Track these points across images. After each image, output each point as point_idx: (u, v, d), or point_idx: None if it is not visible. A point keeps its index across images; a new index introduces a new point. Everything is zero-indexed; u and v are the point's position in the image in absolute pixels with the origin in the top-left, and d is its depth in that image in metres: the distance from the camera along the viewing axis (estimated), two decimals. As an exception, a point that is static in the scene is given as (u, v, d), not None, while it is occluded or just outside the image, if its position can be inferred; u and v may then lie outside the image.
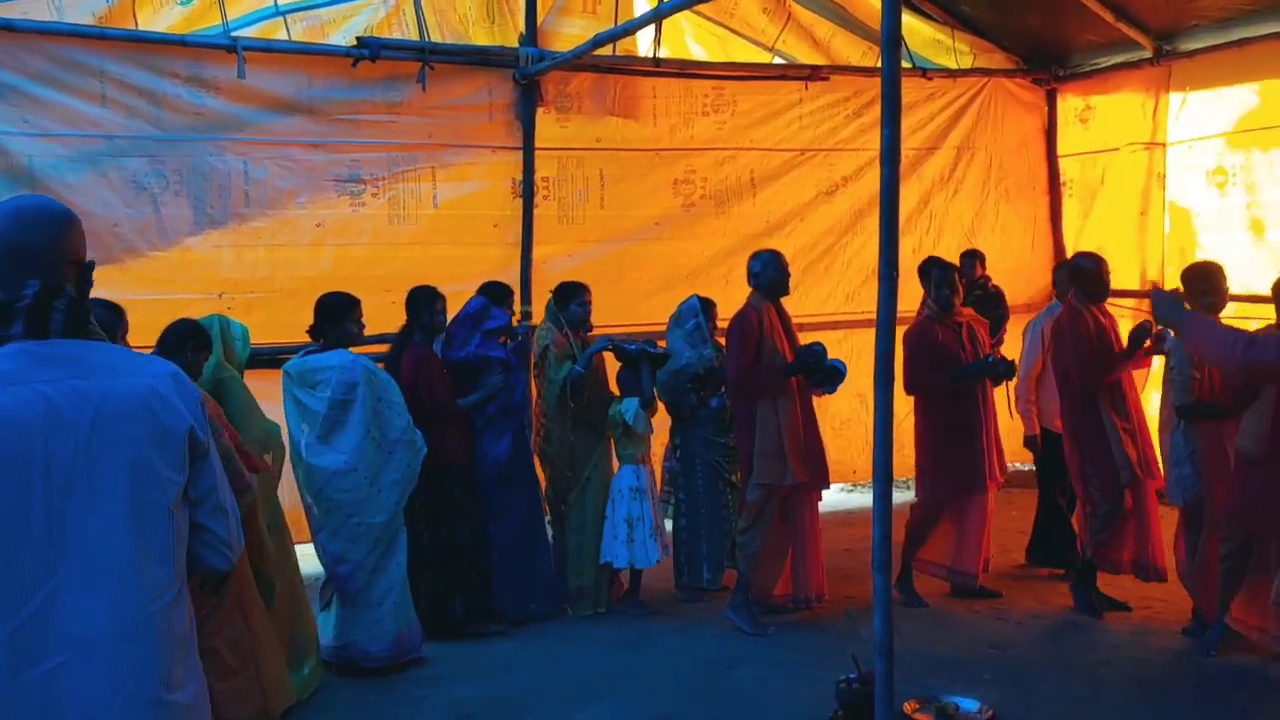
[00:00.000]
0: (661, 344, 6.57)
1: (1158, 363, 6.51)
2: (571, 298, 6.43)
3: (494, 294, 6.39)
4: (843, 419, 8.45)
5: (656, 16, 7.44)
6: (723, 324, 6.68)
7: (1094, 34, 8.48)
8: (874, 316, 4.60)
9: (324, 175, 7.03)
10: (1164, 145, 8.45)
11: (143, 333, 4.99)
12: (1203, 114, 8.15)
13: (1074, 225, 9.27)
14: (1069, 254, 8.82)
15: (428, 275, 7.00)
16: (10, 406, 2.07)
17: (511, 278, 7.13)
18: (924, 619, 6.16)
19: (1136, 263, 8.50)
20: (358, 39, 6.95)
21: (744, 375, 5.92)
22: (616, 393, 6.46)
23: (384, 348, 6.36)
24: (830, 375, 6.06)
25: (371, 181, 7.15)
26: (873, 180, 7.09)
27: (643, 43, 8.14)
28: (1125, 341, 6.05)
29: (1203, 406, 5.55)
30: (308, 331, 5.60)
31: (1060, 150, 9.32)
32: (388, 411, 5.46)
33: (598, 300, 6.54)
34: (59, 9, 6.44)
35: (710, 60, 8.47)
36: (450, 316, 6.18)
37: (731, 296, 6.84)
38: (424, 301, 6.02)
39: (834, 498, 7.94)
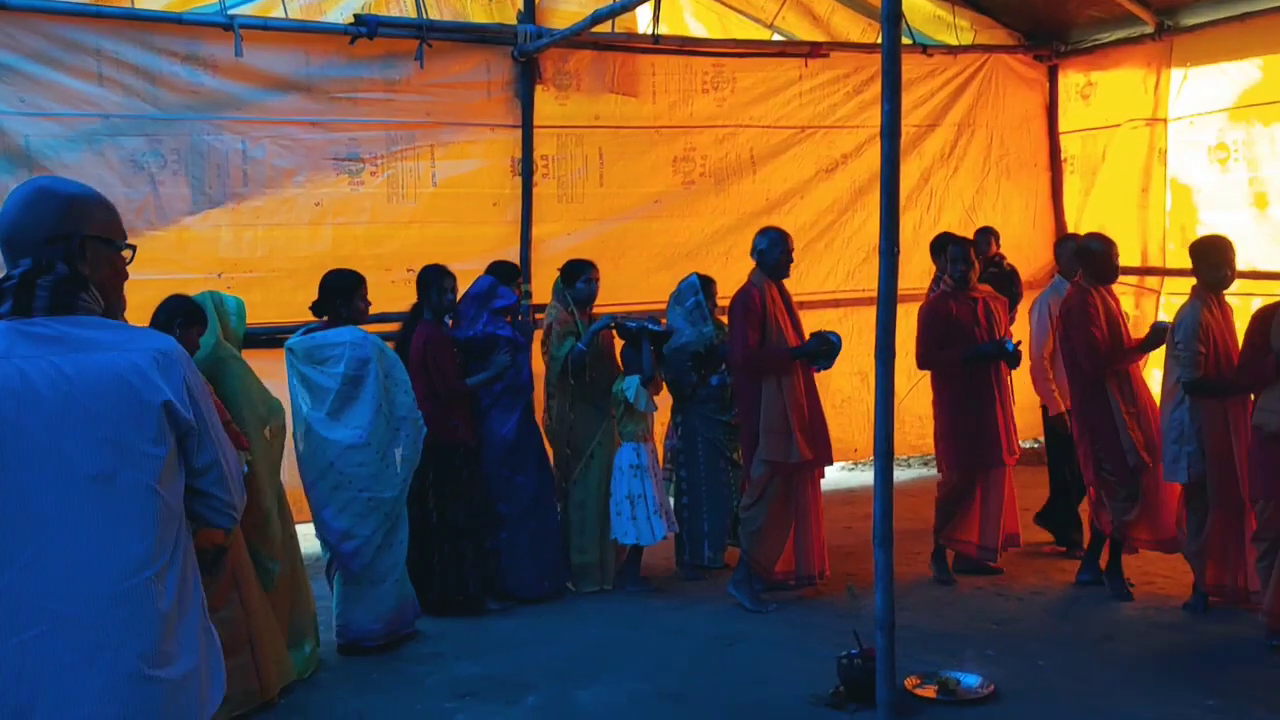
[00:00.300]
0: (664, 321, 6.56)
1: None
2: (578, 275, 6.42)
3: (502, 273, 6.39)
4: (844, 397, 8.44)
5: (656, -8, 7.40)
6: (723, 302, 6.68)
7: (1095, 9, 8.43)
8: (874, 294, 4.63)
9: (322, 154, 7.00)
10: (1165, 121, 8.41)
11: (142, 312, 4.96)
12: (1204, 89, 8.11)
13: (1075, 202, 9.24)
14: (1069, 230, 8.81)
15: (427, 254, 6.99)
16: None
17: (511, 256, 7.12)
18: (925, 595, 6.18)
19: (1138, 239, 8.48)
20: (355, 16, 6.91)
21: (750, 355, 5.92)
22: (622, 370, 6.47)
23: (383, 326, 6.36)
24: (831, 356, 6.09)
25: (370, 160, 7.12)
26: (873, 158, 7.07)
27: (642, 19, 8.08)
28: (1134, 321, 6.05)
29: (1211, 382, 5.54)
30: (312, 308, 5.60)
31: (1061, 127, 9.28)
32: (394, 389, 5.49)
33: (597, 279, 6.53)
34: (54, -13, 6.41)
35: (710, 37, 8.43)
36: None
37: (731, 274, 6.82)
38: (433, 280, 6.03)
39: (835, 476, 7.95)
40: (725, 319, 6.64)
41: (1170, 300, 8.39)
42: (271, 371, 5.51)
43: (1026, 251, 8.99)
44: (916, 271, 8.57)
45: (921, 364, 6.42)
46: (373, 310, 5.86)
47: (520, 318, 6.50)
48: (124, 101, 6.43)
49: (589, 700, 4.95)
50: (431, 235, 7.25)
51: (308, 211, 7.00)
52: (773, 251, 6.08)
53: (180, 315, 4.70)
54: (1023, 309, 7.53)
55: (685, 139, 8.07)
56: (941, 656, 5.19)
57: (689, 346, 6.43)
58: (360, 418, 5.38)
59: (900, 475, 8.83)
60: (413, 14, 7.22)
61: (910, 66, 7.71)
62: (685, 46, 8.06)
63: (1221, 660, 5.21)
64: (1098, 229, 7.27)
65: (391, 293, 6.97)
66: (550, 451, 6.50)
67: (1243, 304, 6.33)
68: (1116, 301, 6.16)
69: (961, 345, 6.26)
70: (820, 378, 6.26)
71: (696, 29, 8.54)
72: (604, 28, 7.15)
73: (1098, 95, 8.97)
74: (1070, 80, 9.18)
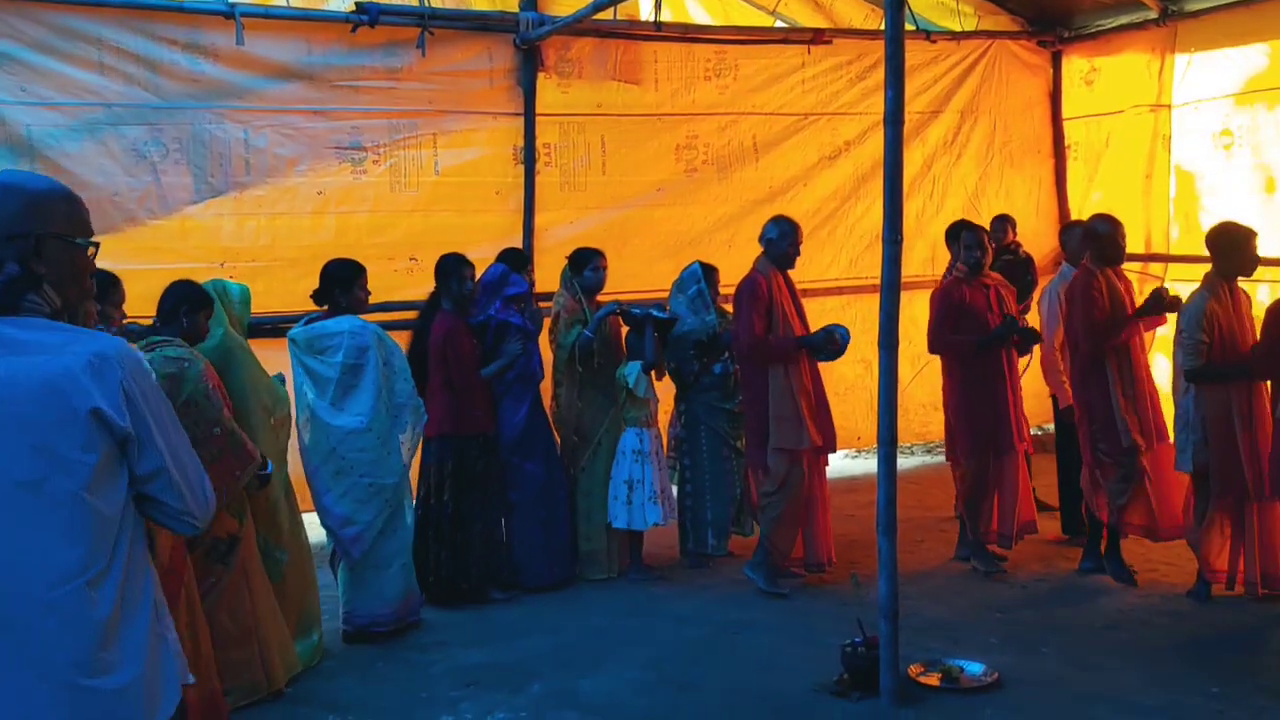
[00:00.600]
0: (668, 309, 6.56)
1: (1165, 329, 6.49)
2: (585, 263, 6.42)
3: (513, 260, 6.39)
4: (847, 384, 8.43)
5: (658, -21, 7.38)
6: (725, 289, 6.67)
7: (1099, -6, 8.41)
8: (877, 282, 4.63)
9: (325, 143, 6.99)
10: (1169, 107, 8.38)
11: (146, 302, 4.97)
12: (1208, 75, 8.07)
13: (1079, 189, 9.21)
14: (1074, 217, 8.78)
15: (430, 243, 6.99)
16: None
17: (514, 244, 7.11)
18: (929, 583, 6.18)
19: (1142, 225, 8.45)
20: (356, 4, 6.88)
21: (757, 344, 5.93)
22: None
23: (386, 315, 6.35)
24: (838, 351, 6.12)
25: (372, 149, 7.11)
26: (876, 145, 7.04)
27: (644, 7, 8.07)
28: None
29: (1211, 369, 5.54)
30: (312, 297, 5.60)
31: (1065, 113, 9.24)
32: (393, 377, 5.53)
33: (599, 267, 6.52)
34: (55, -24, 6.39)
35: (712, 24, 8.40)
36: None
37: (734, 262, 6.81)
38: (453, 269, 6.03)
39: (838, 463, 7.95)
40: (728, 307, 6.64)
41: (1174, 287, 8.37)
42: (275, 361, 5.50)
43: (1030, 238, 8.92)
44: (919, 259, 8.58)
45: (934, 348, 6.42)
46: (376, 299, 5.86)
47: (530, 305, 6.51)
48: (125, 90, 6.42)
49: (593, 688, 4.96)
50: (434, 224, 7.24)
51: (310, 200, 6.99)
52: (781, 243, 6.10)
53: (185, 302, 4.69)
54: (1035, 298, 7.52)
55: (688, 127, 8.05)
56: (945, 644, 5.20)
57: (691, 335, 6.44)
58: (361, 404, 5.40)
59: (903, 463, 8.82)
60: (414, 1, 7.20)
61: (913, 53, 7.67)
62: (688, 34, 8.04)
63: (1225, 647, 5.22)
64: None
65: (394, 282, 6.97)
66: (558, 439, 6.51)
67: (1249, 290, 6.31)
68: (1127, 284, 6.12)
69: (974, 331, 6.25)
70: (824, 365, 6.26)
71: (699, 16, 8.51)
72: (606, 15, 7.12)
73: (1101, 81, 8.93)
74: (1074, 66, 9.15)
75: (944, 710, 4.59)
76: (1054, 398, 6.87)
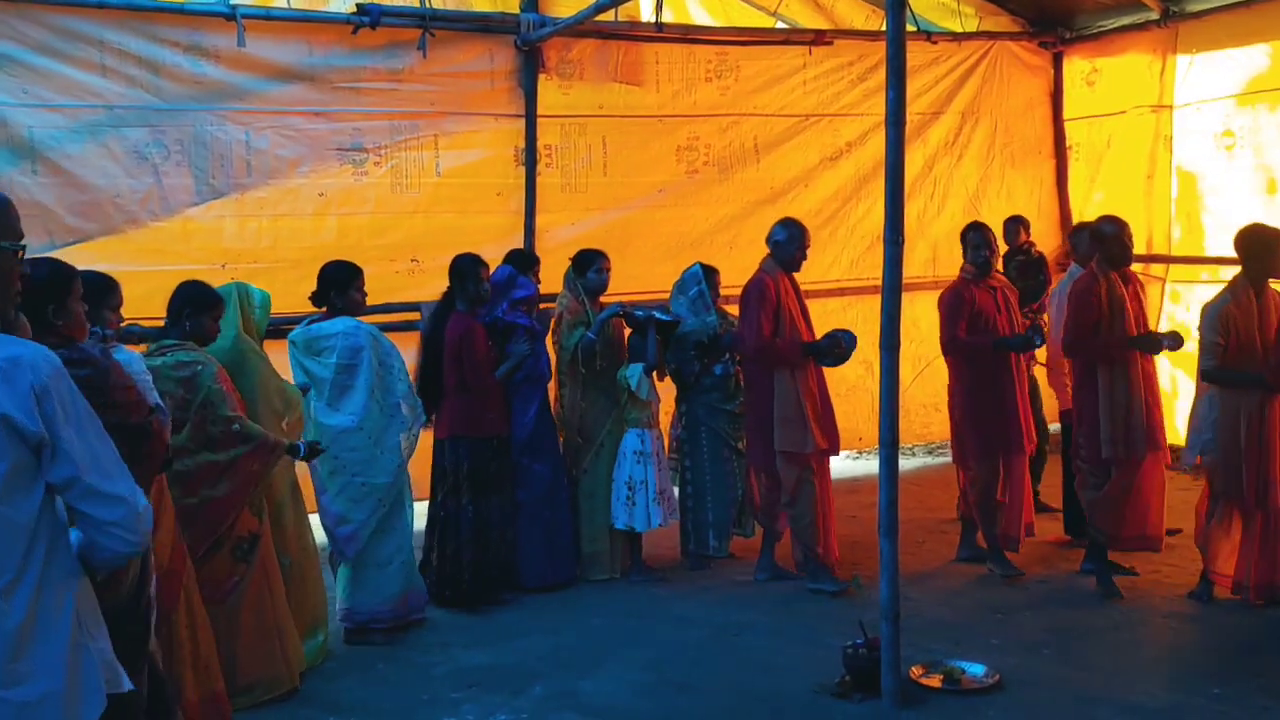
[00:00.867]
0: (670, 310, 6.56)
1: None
2: (589, 265, 6.42)
3: (520, 262, 6.39)
4: (848, 385, 8.43)
5: (659, -19, 7.39)
6: (726, 291, 6.68)
7: (1100, -5, 8.41)
8: (879, 283, 4.62)
9: (326, 144, 7.00)
10: (1171, 108, 8.38)
11: (147, 303, 4.98)
12: (1210, 76, 8.08)
13: (1080, 190, 9.21)
14: (1075, 219, 8.78)
15: (431, 244, 7.01)
16: None
17: (515, 246, 7.10)
18: (930, 584, 6.17)
19: (1143, 226, 8.44)
20: (358, 5, 6.89)
21: (764, 346, 5.93)
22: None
23: (387, 316, 6.35)
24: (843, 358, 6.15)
25: (374, 150, 7.11)
26: (877, 146, 7.04)
27: (645, 8, 8.07)
28: (1145, 313, 5.99)
29: (1228, 374, 5.53)
30: (310, 299, 5.61)
31: (1066, 114, 9.25)
32: (389, 376, 5.53)
33: (600, 268, 6.52)
34: (57, -22, 6.40)
35: (713, 25, 8.40)
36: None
37: (735, 263, 6.82)
38: (469, 270, 6.01)
39: (839, 465, 7.93)
40: (729, 308, 6.65)
41: (1175, 289, 8.37)
42: (276, 362, 5.50)
43: (1032, 239, 8.96)
44: (921, 260, 8.58)
45: (947, 351, 6.37)
46: (377, 300, 5.87)
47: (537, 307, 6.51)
48: (127, 92, 6.44)
49: (594, 690, 4.96)
50: (435, 225, 7.25)
51: (312, 202, 7.00)
52: (789, 246, 6.12)
53: (189, 305, 4.67)
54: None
55: (689, 128, 8.06)
56: (947, 645, 5.20)
57: (692, 335, 6.44)
58: (354, 404, 5.44)
59: (904, 464, 8.80)
60: (415, 3, 7.21)
61: (914, 54, 7.67)
62: (689, 35, 8.04)
63: (1226, 648, 5.22)
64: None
65: (395, 283, 6.98)
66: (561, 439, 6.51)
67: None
68: (1137, 288, 6.01)
69: (983, 333, 6.22)
70: (825, 367, 6.25)
71: (700, 17, 8.52)
72: (607, 16, 7.14)
73: (1103, 82, 8.94)
74: (1075, 67, 9.15)
75: (945, 712, 4.58)
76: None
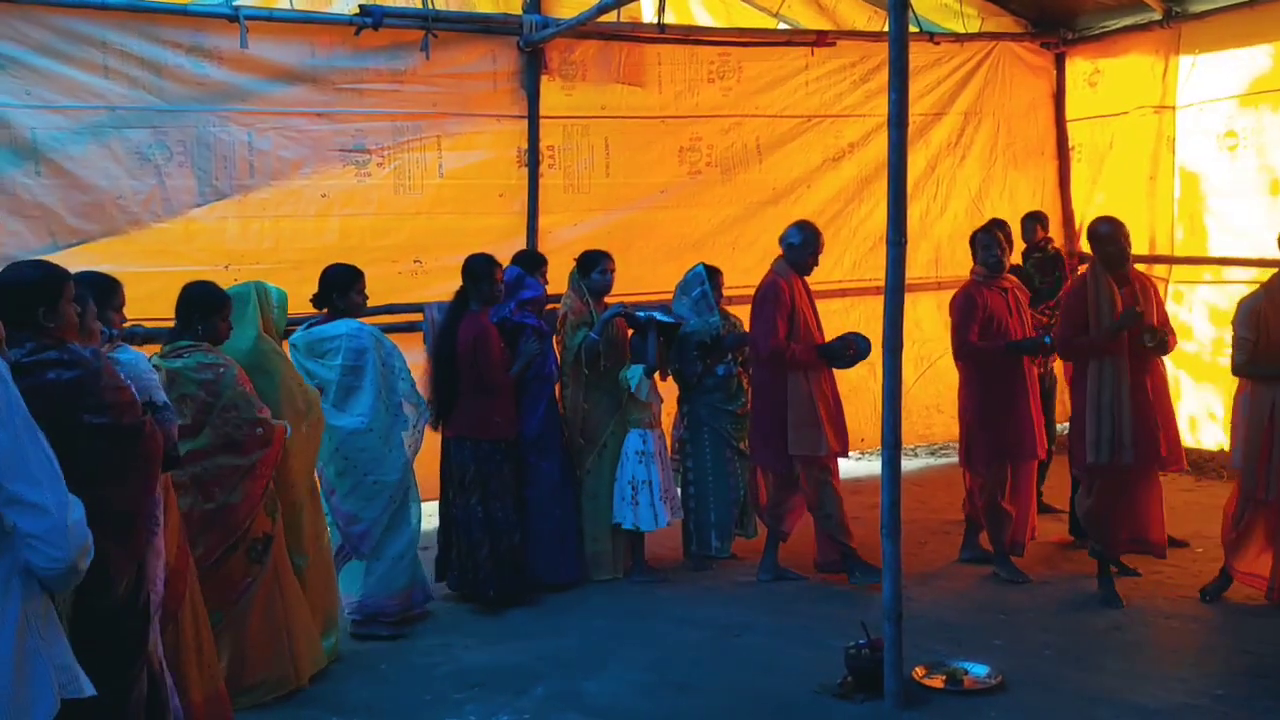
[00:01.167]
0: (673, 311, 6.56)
1: (1212, 330, 6.40)
2: (594, 265, 6.42)
3: (527, 263, 6.40)
4: (851, 386, 8.36)
5: (661, -18, 7.38)
6: (728, 291, 6.68)
7: (1103, -4, 8.41)
8: (881, 284, 4.62)
9: (328, 145, 7.00)
10: (1173, 108, 8.38)
11: (150, 304, 4.99)
12: (1213, 76, 8.07)
13: (1083, 190, 9.20)
14: (1077, 220, 8.78)
15: (434, 245, 7.00)
16: None
17: (518, 247, 7.10)
18: (933, 585, 6.17)
19: (1146, 227, 8.45)
20: (360, 7, 6.89)
21: (779, 349, 5.94)
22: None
23: (390, 318, 6.35)
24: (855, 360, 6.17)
25: (376, 151, 7.12)
26: (879, 147, 7.05)
27: (647, 9, 8.06)
28: (1162, 313, 5.96)
29: (1256, 368, 5.51)
30: (312, 301, 5.63)
31: (1069, 115, 9.24)
32: (391, 376, 5.59)
33: (603, 269, 6.53)
34: (59, -21, 6.41)
35: (715, 26, 8.41)
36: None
37: (738, 264, 6.82)
38: (484, 271, 6.01)
39: (842, 465, 7.92)
40: (733, 310, 6.65)
41: (1178, 289, 8.36)
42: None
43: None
44: (923, 261, 8.58)
45: (959, 355, 6.27)
46: (380, 301, 5.88)
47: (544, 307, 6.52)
48: (129, 93, 6.44)
49: (596, 690, 4.96)
50: (438, 226, 7.25)
51: (314, 203, 7.00)
52: (804, 250, 6.14)
53: (196, 309, 4.66)
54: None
55: (691, 129, 8.06)
56: (949, 646, 5.19)
57: (694, 336, 6.44)
58: (362, 405, 5.49)
59: (907, 465, 8.81)
60: (418, 4, 7.21)
61: (917, 54, 7.68)
62: (691, 36, 8.05)
63: (1229, 649, 5.21)
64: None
65: (398, 284, 6.99)
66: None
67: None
68: (1150, 285, 5.95)
69: (995, 335, 6.16)
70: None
71: (702, 18, 8.52)
72: (610, 17, 7.13)
73: (1105, 83, 8.93)
74: (1078, 68, 9.14)
75: (948, 712, 4.58)
76: None
